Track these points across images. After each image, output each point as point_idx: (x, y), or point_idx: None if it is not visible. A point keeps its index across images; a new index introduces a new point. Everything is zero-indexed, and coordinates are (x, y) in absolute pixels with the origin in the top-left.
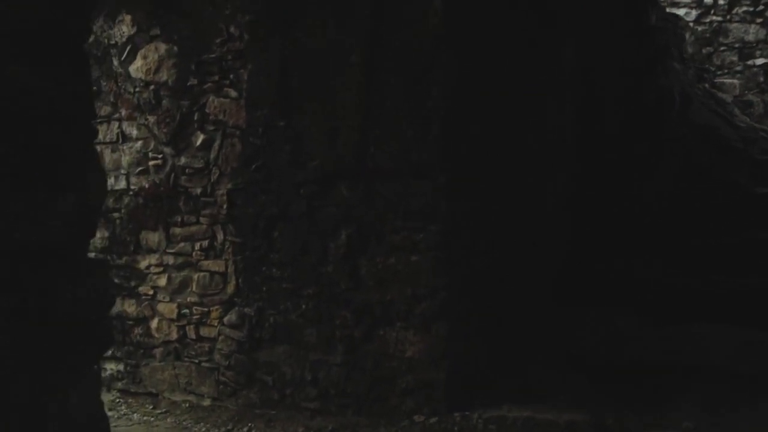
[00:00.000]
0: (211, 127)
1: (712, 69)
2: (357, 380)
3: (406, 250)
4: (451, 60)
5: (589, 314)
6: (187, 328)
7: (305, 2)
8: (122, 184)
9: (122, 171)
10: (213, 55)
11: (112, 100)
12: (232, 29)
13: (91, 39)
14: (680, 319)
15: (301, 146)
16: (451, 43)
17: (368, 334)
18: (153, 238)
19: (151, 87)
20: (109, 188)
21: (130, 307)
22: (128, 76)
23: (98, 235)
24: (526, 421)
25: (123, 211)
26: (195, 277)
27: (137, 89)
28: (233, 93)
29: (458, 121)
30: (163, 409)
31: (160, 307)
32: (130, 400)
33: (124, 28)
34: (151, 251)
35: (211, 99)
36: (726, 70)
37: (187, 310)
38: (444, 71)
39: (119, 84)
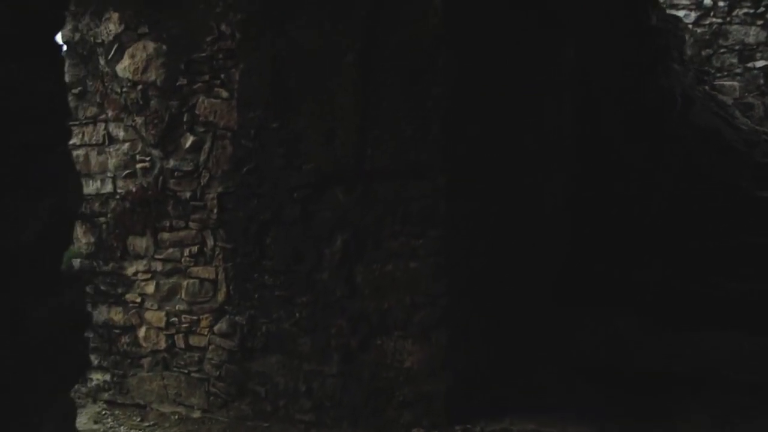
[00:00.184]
0: (201, 129)
1: (712, 71)
2: (353, 391)
3: (404, 256)
4: (451, 60)
5: (591, 318)
6: (176, 337)
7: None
8: (109, 188)
9: (109, 174)
10: (203, 54)
11: (98, 100)
12: (223, 27)
13: (77, 37)
14: (683, 323)
15: (296, 148)
16: (451, 43)
17: (365, 344)
18: (140, 243)
19: (139, 87)
20: (95, 192)
21: (116, 315)
22: (115, 75)
23: (84, 240)
24: None
25: (109, 215)
26: (184, 284)
27: (124, 89)
28: (224, 93)
29: (458, 122)
30: (152, 422)
31: (148, 315)
32: (116, 412)
33: (111, 26)
34: (138, 257)
35: (201, 99)
36: (726, 73)
37: (175, 319)
38: (444, 71)
39: (106, 84)
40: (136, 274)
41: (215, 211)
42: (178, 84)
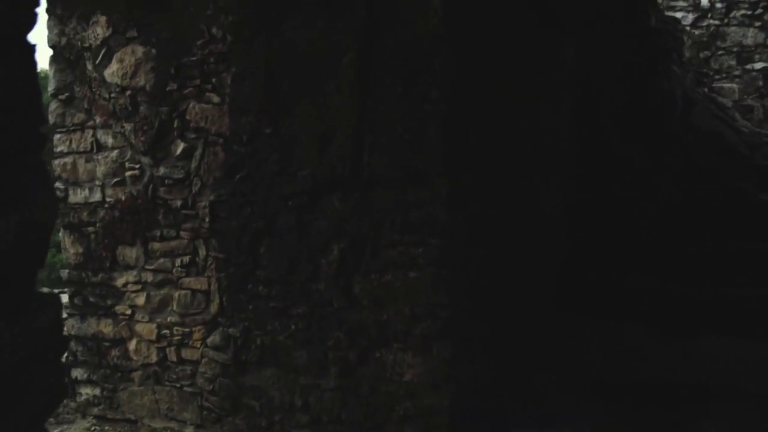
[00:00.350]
0: (192, 135)
1: (710, 73)
2: (351, 406)
3: (403, 265)
4: (451, 61)
5: (590, 326)
6: (167, 350)
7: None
8: (97, 197)
9: (97, 182)
10: (194, 58)
11: (86, 106)
12: (214, 30)
13: (64, 42)
14: (684, 330)
15: (290, 154)
16: (451, 44)
17: (363, 357)
18: (130, 253)
19: (128, 92)
20: (83, 201)
21: (106, 328)
22: (103, 81)
23: (72, 250)
24: None
25: (98, 225)
26: (176, 295)
27: (113, 95)
28: (216, 98)
29: (457, 125)
30: None
31: (139, 327)
32: (106, 428)
33: (98, 30)
34: (128, 268)
35: (191, 105)
36: (724, 75)
37: (167, 331)
38: (443, 72)
39: (93, 89)
40: (126, 285)
41: (207, 219)
42: (168, 89)
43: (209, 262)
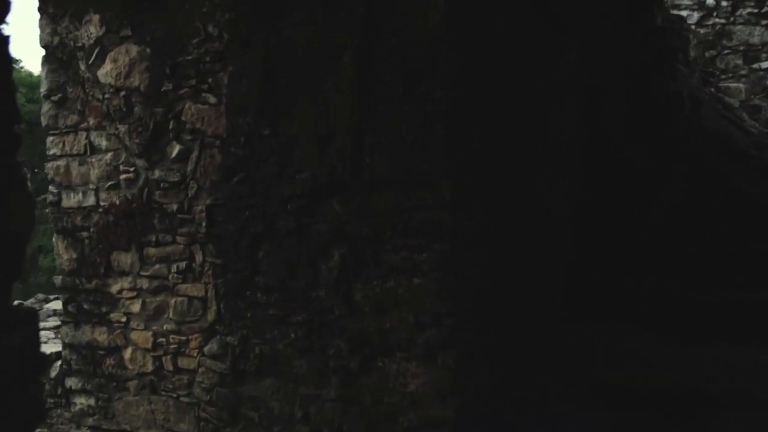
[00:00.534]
0: (188, 137)
1: (717, 73)
2: (353, 417)
3: (406, 271)
4: (454, 60)
5: (597, 331)
6: (163, 358)
7: None
8: (91, 201)
9: (91, 186)
10: (189, 57)
11: (79, 107)
12: (210, 28)
13: (56, 41)
14: (695, 335)
15: (288, 156)
16: (453, 42)
17: (365, 366)
18: (125, 259)
19: (122, 93)
20: (76, 205)
21: (101, 336)
22: (97, 81)
23: (65, 256)
24: None
25: (92, 229)
26: (172, 302)
27: (107, 96)
28: (212, 98)
29: (461, 126)
30: None
31: (134, 335)
32: None
33: (91, 29)
34: (123, 274)
35: (187, 105)
36: (731, 74)
37: (163, 339)
38: (446, 72)
39: (87, 90)
40: (120, 291)
41: (204, 224)
42: (163, 89)
43: (206, 268)
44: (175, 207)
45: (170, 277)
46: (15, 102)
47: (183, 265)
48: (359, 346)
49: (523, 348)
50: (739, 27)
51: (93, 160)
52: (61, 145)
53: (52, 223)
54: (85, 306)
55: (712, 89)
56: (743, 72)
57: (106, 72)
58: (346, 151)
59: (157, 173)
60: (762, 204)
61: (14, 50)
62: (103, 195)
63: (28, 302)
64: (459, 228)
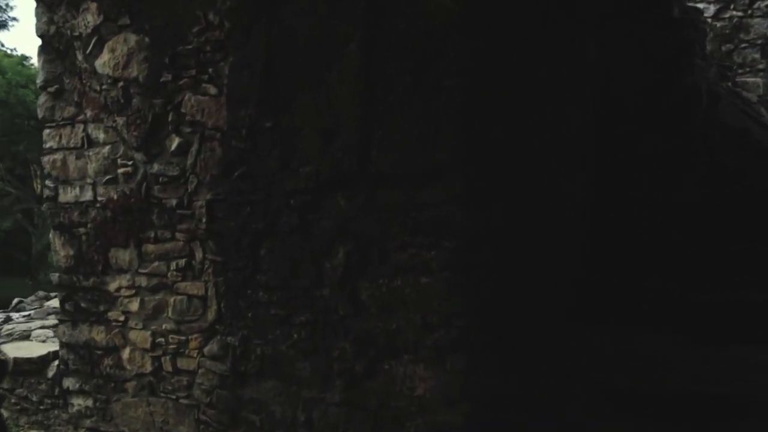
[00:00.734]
0: (188, 129)
1: (734, 67)
2: (358, 422)
3: (414, 270)
4: (466, 47)
5: (617, 334)
6: (162, 359)
7: None
8: (88, 195)
9: (88, 180)
10: (189, 47)
11: (76, 99)
12: (210, 16)
13: (53, 30)
14: (715, 338)
15: (292, 149)
16: (466, 28)
17: (371, 369)
18: (123, 256)
19: (120, 84)
20: (73, 200)
21: (98, 335)
22: (94, 71)
23: (62, 253)
24: None
25: (89, 225)
26: (171, 301)
27: (104, 87)
28: (212, 89)
29: (474, 118)
30: None
31: (132, 335)
32: None
33: (89, 18)
34: (121, 271)
35: (187, 97)
36: (748, 69)
37: (162, 339)
38: (458, 60)
39: (84, 81)
40: (119, 290)
41: (204, 220)
42: (162, 80)
43: (206, 266)
44: (174, 202)
45: (169, 274)
46: None
47: (182, 262)
48: (365, 348)
49: (535, 350)
50: (757, 20)
51: (90, 153)
52: (57, 138)
53: (49, 219)
54: (83, 304)
55: (730, 84)
56: (761, 66)
57: (103, 62)
58: (351, 144)
59: (155, 167)
60: None
61: (25, 46)
62: (100, 190)
63: (29, 299)
64: (470, 225)
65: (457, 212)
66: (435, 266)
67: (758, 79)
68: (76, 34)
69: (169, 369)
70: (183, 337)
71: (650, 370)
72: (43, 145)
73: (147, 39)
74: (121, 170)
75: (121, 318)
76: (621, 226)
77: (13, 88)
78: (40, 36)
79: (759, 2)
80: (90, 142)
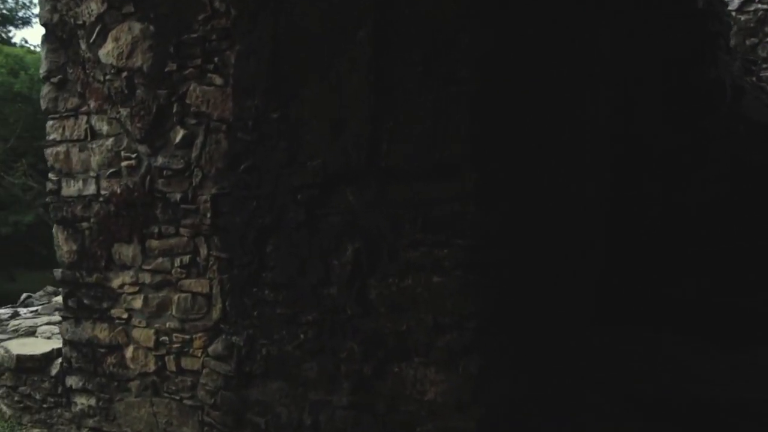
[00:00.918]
0: (193, 121)
1: (758, 61)
2: (366, 426)
3: (426, 268)
4: (481, 36)
5: (636, 337)
6: (166, 358)
7: None
8: (92, 189)
9: (91, 173)
10: (195, 35)
11: (79, 90)
12: (216, 3)
13: (56, 18)
14: (732, 341)
15: (299, 142)
16: (481, 17)
17: (380, 371)
18: (127, 252)
19: (124, 74)
20: (76, 194)
21: (102, 333)
22: (98, 61)
23: (65, 248)
24: None
25: (93, 220)
26: (175, 298)
27: (108, 77)
28: (218, 80)
29: (489, 110)
30: None
31: (136, 332)
32: None
33: (92, 6)
34: (124, 267)
35: (192, 87)
36: None
37: (166, 338)
38: (472, 49)
39: (87, 71)
40: (122, 286)
41: (209, 215)
42: (166, 70)
43: (211, 263)
44: (178, 196)
45: (173, 271)
46: None
47: (187, 259)
48: (373, 349)
49: (551, 354)
50: None
51: (94, 145)
52: (60, 130)
53: (52, 213)
54: (86, 301)
55: (754, 78)
56: None
57: (107, 51)
58: (361, 137)
59: (159, 160)
60: None
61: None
62: (104, 183)
63: (37, 294)
64: (484, 222)
65: (470, 209)
66: (447, 265)
67: None
68: (80, 22)
69: (173, 369)
70: (187, 336)
71: (671, 373)
72: (47, 137)
73: (151, 27)
74: (124, 163)
75: (125, 315)
76: (640, 226)
77: (36, 84)
78: (44, 24)
79: None
80: (93, 134)
